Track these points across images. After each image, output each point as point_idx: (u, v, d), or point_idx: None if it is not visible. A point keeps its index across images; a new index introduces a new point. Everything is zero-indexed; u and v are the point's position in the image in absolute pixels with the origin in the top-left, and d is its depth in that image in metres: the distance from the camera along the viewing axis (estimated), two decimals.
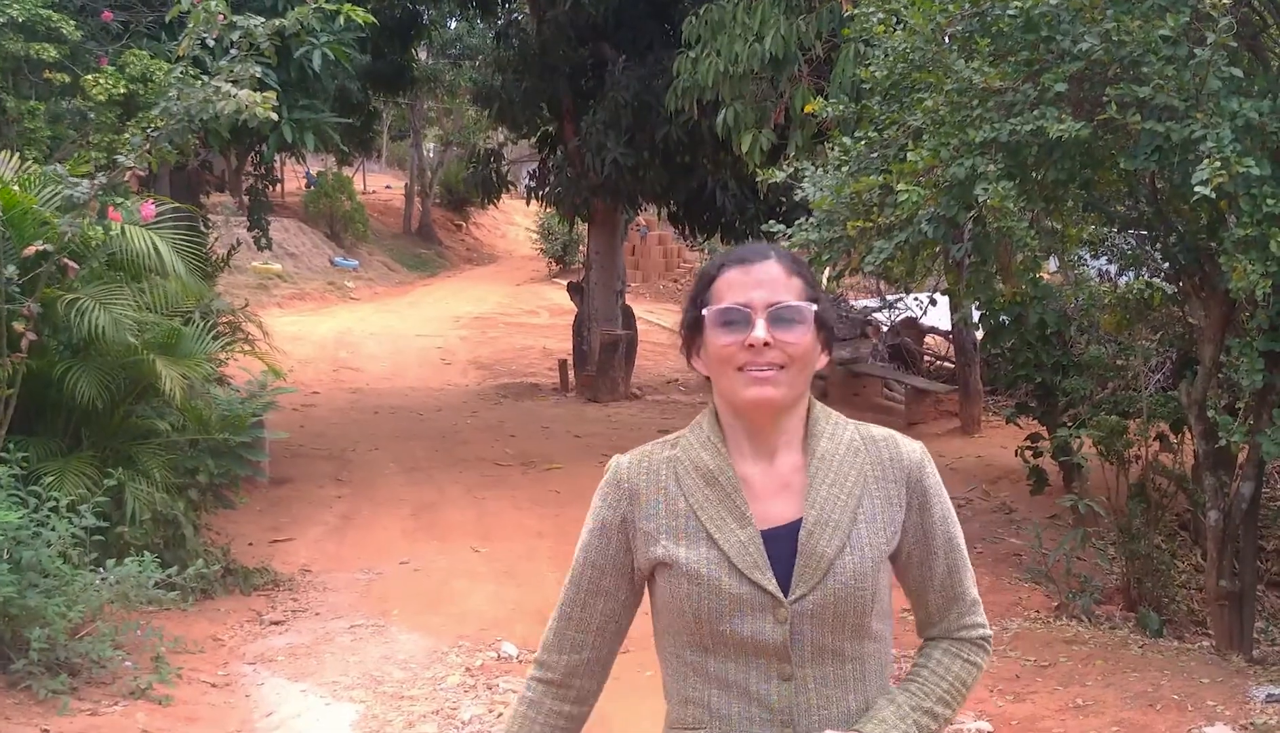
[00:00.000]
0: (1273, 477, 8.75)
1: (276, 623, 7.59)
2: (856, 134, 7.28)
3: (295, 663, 6.90)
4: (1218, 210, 6.18)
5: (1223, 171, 5.16)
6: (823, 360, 2.12)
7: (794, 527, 2.05)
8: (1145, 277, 8.60)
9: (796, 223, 7.27)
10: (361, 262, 32.88)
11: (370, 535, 9.80)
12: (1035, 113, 5.99)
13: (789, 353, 2.01)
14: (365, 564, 8.94)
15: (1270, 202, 5.24)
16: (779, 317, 2.01)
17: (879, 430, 2.18)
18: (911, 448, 2.16)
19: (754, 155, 10.44)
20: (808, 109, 8.30)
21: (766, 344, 1.99)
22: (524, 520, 10.32)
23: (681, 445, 2.15)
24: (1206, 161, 5.22)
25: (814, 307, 2.05)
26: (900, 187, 6.39)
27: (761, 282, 2.04)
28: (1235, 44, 5.76)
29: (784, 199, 13.68)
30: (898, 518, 2.11)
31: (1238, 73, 5.64)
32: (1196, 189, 5.23)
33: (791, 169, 7.51)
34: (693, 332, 2.13)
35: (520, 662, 6.98)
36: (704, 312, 2.06)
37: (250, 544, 9.17)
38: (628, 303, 19.36)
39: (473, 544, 9.53)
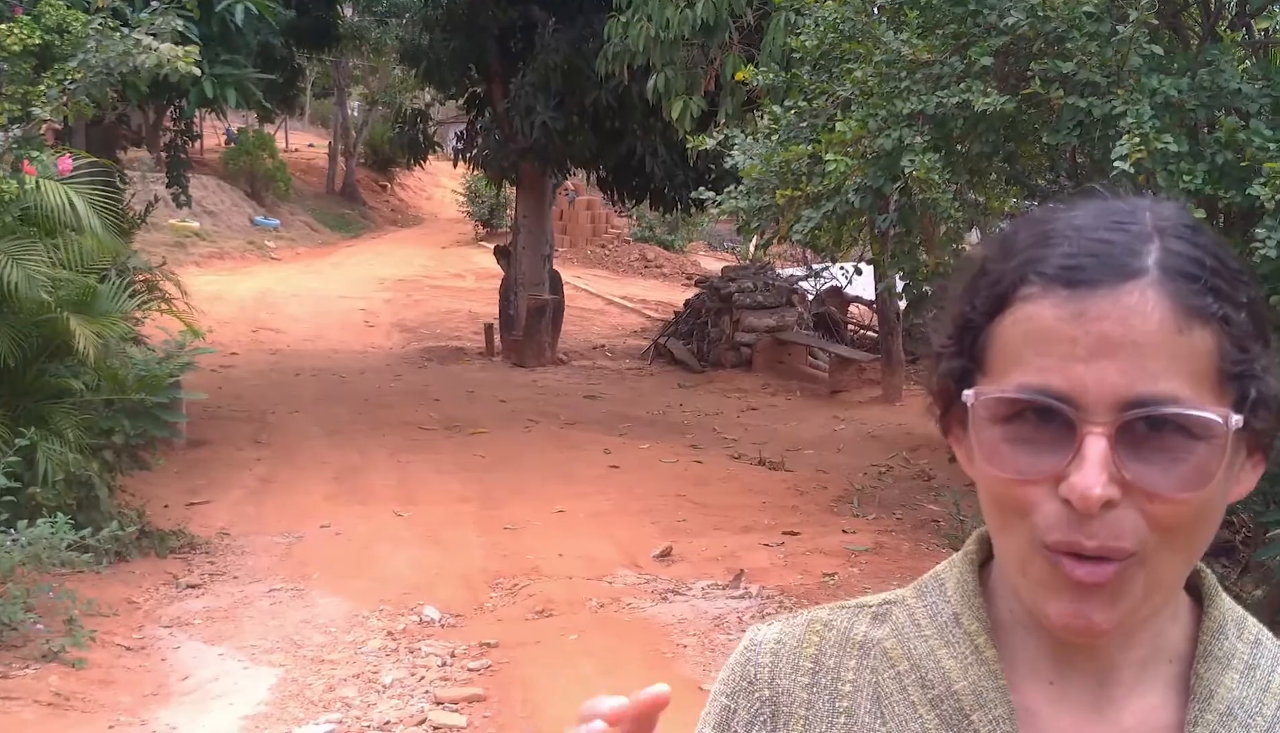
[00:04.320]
0: None
1: (193, 586, 7.51)
2: (786, 103, 7.30)
3: (212, 626, 6.83)
4: (1136, 185, 6.27)
5: (1142, 147, 5.23)
6: (1245, 484, 0.96)
7: None
8: None
9: (726, 190, 7.29)
10: (283, 221, 32.47)
11: (290, 499, 9.71)
12: (961, 86, 6.04)
13: (1158, 522, 0.88)
14: (285, 528, 8.86)
15: (1187, 177, 5.33)
16: (1147, 434, 0.88)
17: None
18: None
19: (684, 122, 10.44)
20: (738, 77, 8.31)
21: (1109, 503, 0.87)
22: (448, 485, 10.28)
23: (896, 622, 1.07)
24: (1126, 137, 5.29)
25: (1233, 418, 0.88)
26: (829, 156, 6.42)
27: (1112, 340, 0.87)
28: (1156, 22, 5.83)
29: (713, 166, 13.72)
30: None
31: (1158, 50, 5.71)
32: (1116, 164, 5.30)
33: (722, 136, 7.52)
34: (952, 393, 0.98)
35: (442, 626, 6.96)
36: (970, 394, 0.93)
37: (166, 507, 9.04)
38: (555, 268, 19.32)
39: (395, 509, 9.47)
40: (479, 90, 18.68)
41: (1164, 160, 5.34)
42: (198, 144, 25.96)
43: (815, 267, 18.76)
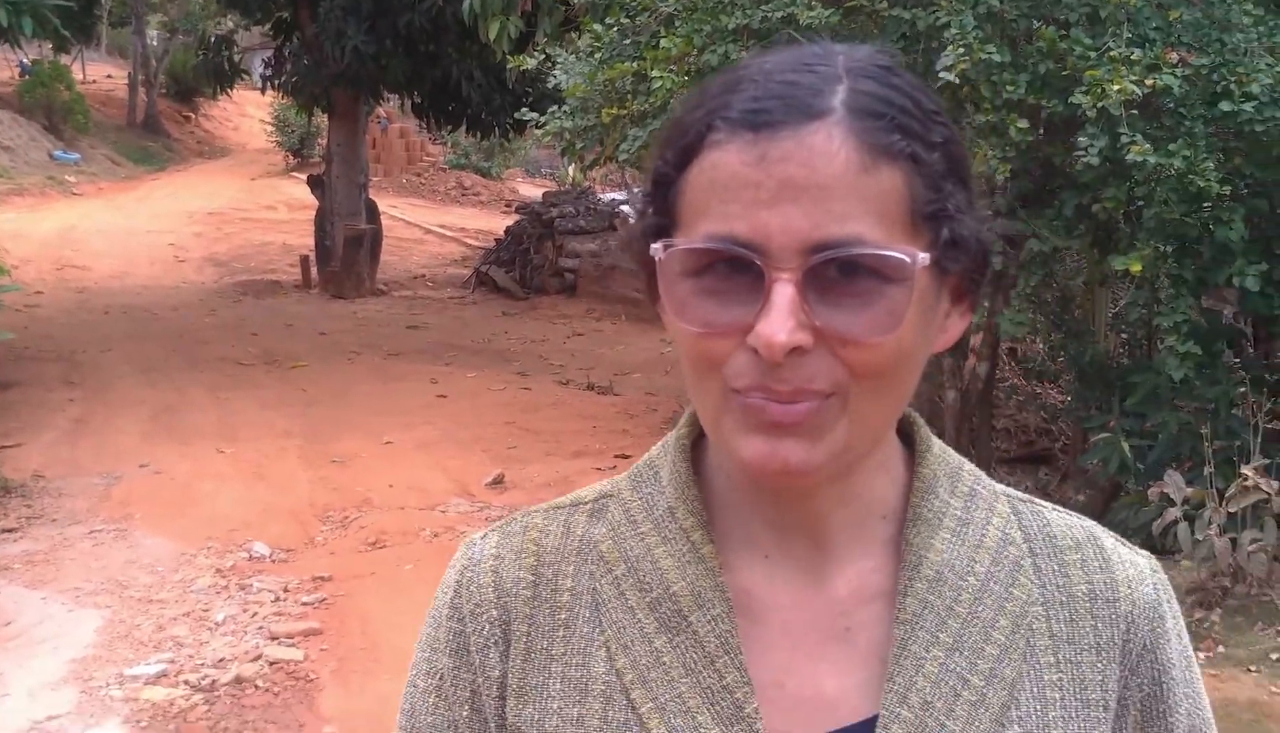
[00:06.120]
0: (1004, 357, 9.20)
1: (9, 530, 7.21)
2: (608, 21, 7.21)
3: (33, 571, 6.57)
4: (959, 96, 6.38)
5: (966, 58, 5.32)
6: (952, 332, 0.95)
7: None
8: None
9: (549, 111, 7.19)
10: (84, 155, 31.12)
11: (107, 439, 9.37)
12: (786, 0, 6.04)
13: (854, 367, 0.85)
14: (103, 469, 8.55)
15: (1010, 88, 5.44)
16: (837, 279, 0.84)
17: (1064, 521, 1.02)
18: (1136, 572, 0.99)
19: (502, 43, 10.28)
20: None
21: (800, 350, 0.83)
22: (271, 420, 10.04)
23: (612, 520, 1.01)
24: (951, 48, 5.37)
25: (920, 256, 0.84)
26: (654, 73, 6.37)
27: (796, 183, 0.83)
28: None
29: (531, 89, 13.56)
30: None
31: None
32: (941, 75, 5.38)
33: (542, 56, 7.41)
34: (649, 249, 0.91)
35: (273, 561, 6.82)
36: (658, 247, 0.89)
37: None
38: (371, 197, 18.94)
39: (217, 446, 9.21)
40: (285, 15, 18.08)
41: (988, 71, 5.43)
42: None
43: (636, 190, 18.74)
